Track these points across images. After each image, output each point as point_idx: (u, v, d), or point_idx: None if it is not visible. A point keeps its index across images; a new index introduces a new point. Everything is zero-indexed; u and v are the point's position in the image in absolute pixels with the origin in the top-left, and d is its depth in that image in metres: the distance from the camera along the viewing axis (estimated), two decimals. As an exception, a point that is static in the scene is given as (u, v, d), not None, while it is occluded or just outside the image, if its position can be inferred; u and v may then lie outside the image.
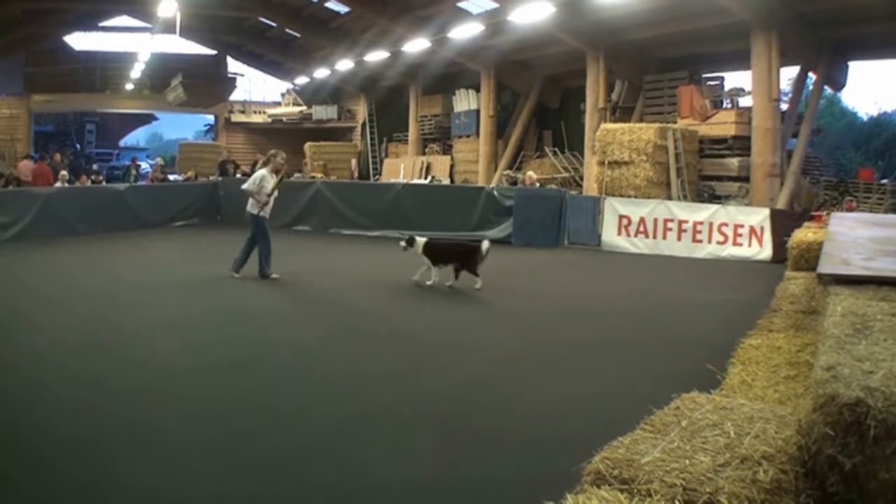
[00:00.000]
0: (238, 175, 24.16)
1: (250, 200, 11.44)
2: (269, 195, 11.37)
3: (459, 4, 22.42)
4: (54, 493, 4.42)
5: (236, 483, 4.60)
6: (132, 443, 5.13)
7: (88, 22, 33.60)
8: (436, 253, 11.20)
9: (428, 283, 11.17)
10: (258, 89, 41.35)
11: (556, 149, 24.62)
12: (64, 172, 20.92)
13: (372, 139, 33.58)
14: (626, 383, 6.65)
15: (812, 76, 18.30)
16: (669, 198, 16.69)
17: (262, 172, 11.57)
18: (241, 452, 5.03)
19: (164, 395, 6.19)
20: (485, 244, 11.25)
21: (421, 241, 11.24)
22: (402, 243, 11.37)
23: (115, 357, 7.32)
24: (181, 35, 29.11)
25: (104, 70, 34.99)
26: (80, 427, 5.43)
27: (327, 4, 27.49)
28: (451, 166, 27.95)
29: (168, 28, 25.56)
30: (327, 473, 4.75)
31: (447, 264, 11.16)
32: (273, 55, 36.29)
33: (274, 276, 11.48)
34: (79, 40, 36.57)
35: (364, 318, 9.42)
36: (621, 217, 16.04)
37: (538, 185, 19.10)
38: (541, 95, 25.67)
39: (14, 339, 8.00)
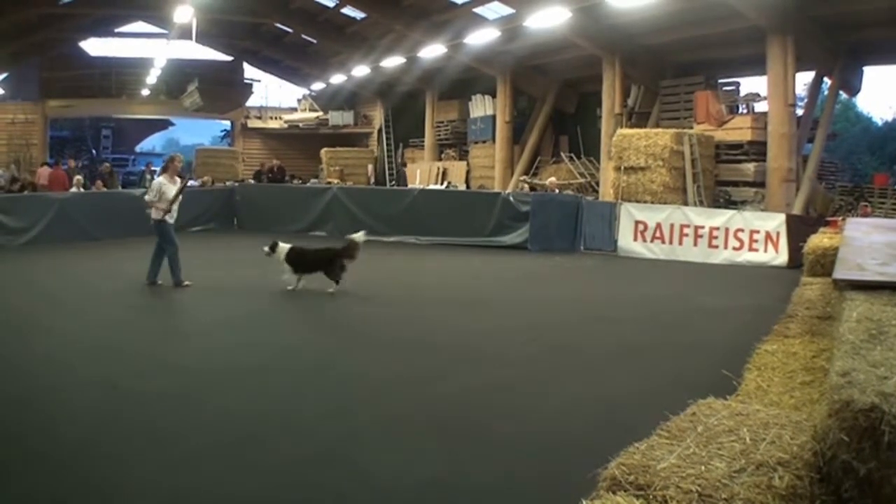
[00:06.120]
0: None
1: (153, 209, 11.12)
2: (172, 202, 11.12)
3: (475, 10, 22.44)
4: (65, 496, 4.48)
5: (247, 487, 4.64)
6: (145, 446, 5.18)
7: (104, 27, 33.78)
8: (298, 260, 11.10)
9: (290, 287, 11.05)
10: (274, 95, 41.49)
11: (573, 154, 24.57)
12: (79, 177, 20.93)
13: (388, 145, 33.59)
14: (642, 389, 6.65)
15: (827, 81, 18.19)
16: (685, 203, 16.64)
17: (160, 180, 11.44)
18: (252, 456, 5.06)
19: (178, 399, 6.25)
20: (358, 235, 11.29)
21: (284, 247, 11.18)
22: (266, 248, 11.32)
23: (129, 361, 7.40)
24: (197, 41, 29.20)
25: (120, 75, 35.25)
26: (93, 430, 5.50)
27: (343, 10, 27.57)
28: (468, 172, 27.88)
29: (184, 34, 25.71)
30: (339, 479, 4.78)
31: (311, 272, 11.08)
32: (289, 61, 36.42)
33: (186, 283, 11.17)
34: (95, 46, 36.85)
35: (379, 324, 9.47)
36: (637, 223, 16.04)
37: (557, 190, 19.14)
38: (557, 101, 25.61)
39: (28, 344, 8.08)
